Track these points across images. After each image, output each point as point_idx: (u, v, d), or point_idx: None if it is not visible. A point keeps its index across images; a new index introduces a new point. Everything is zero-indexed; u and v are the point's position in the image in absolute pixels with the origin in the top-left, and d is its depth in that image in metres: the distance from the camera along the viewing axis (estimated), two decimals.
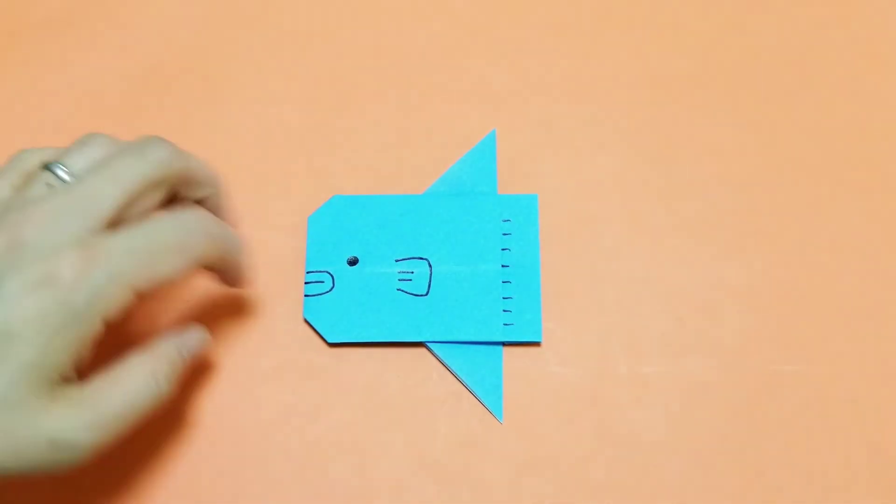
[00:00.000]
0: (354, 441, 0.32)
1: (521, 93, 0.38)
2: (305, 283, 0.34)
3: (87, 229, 0.25)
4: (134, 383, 0.27)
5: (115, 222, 0.26)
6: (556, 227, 0.35)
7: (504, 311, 0.33)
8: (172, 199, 0.29)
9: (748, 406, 0.32)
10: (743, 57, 0.38)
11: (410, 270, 0.34)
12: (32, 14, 0.40)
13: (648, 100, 0.37)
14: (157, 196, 0.28)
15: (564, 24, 0.39)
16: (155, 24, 0.40)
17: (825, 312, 0.33)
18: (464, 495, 0.31)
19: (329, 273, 0.34)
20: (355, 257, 0.34)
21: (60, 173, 0.27)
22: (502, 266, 0.34)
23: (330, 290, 0.33)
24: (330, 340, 0.33)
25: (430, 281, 0.33)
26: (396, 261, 0.34)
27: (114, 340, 0.27)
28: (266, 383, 0.33)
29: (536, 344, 0.33)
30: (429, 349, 0.33)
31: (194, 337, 0.30)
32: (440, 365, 0.33)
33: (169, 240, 0.27)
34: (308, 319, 0.33)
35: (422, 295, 0.33)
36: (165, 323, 0.33)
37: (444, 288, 0.33)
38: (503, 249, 0.34)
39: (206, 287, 0.33)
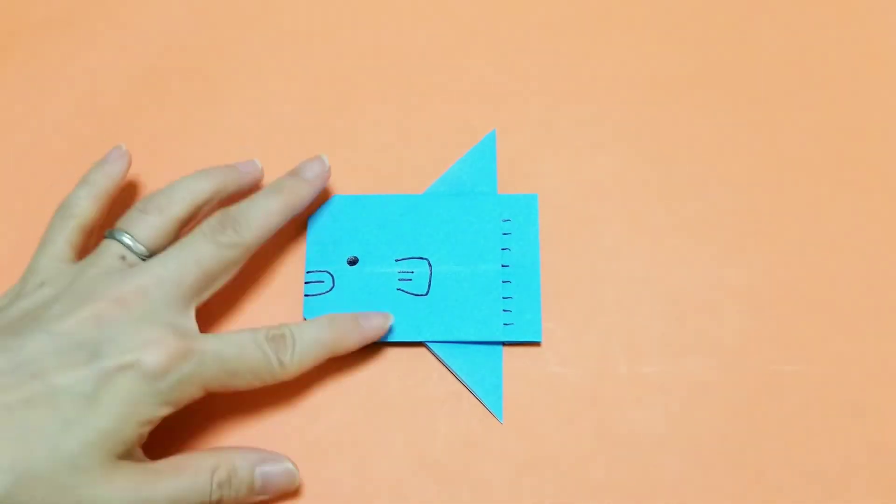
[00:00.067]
0: (354, 441, 0.32)
1: (521, 93, 0.38)
2: (305, 282, 0.34)
3: (177, 312, 0.28)
4: (192, 481, 0.28)
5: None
6: (556, 227, 0.35)
7: (504, 310, 0.33)
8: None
9: (748, 406, 0.32)
10: (743, 57, 0.38)
11: (410, 270, 0.34)
12: (32, 14, 0.40)
13: (648, 100, 0.37)
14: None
15: (564, 24, 0.39)
16: (155, 24, 0.40)
17: (825, 312, 0.33)
18: (464, 495, 0.31)
19: (329, 273, 0.34)
20: (355, 257, 0.34)
21: (128, 242, 0.30)
22: (502, 266, 0.34)
23: (330, 289, 0.33)
24: None
25: (430, 281, 0.33)
26: (396, 261, 0.34)
27: None
28: None
29: (536, 344, 0.33)
30: (429, 349, 0.33)
31: (280, 467, 0.30)
32: (440, 365, 0.33)
33: (252, 364, 0.29)
34: (308, 319, 0.33)
35: (422, 295, 0.33)
36: None
37: (444, 288, 0.33)
38: (503, 249, 0.34)
39: None
